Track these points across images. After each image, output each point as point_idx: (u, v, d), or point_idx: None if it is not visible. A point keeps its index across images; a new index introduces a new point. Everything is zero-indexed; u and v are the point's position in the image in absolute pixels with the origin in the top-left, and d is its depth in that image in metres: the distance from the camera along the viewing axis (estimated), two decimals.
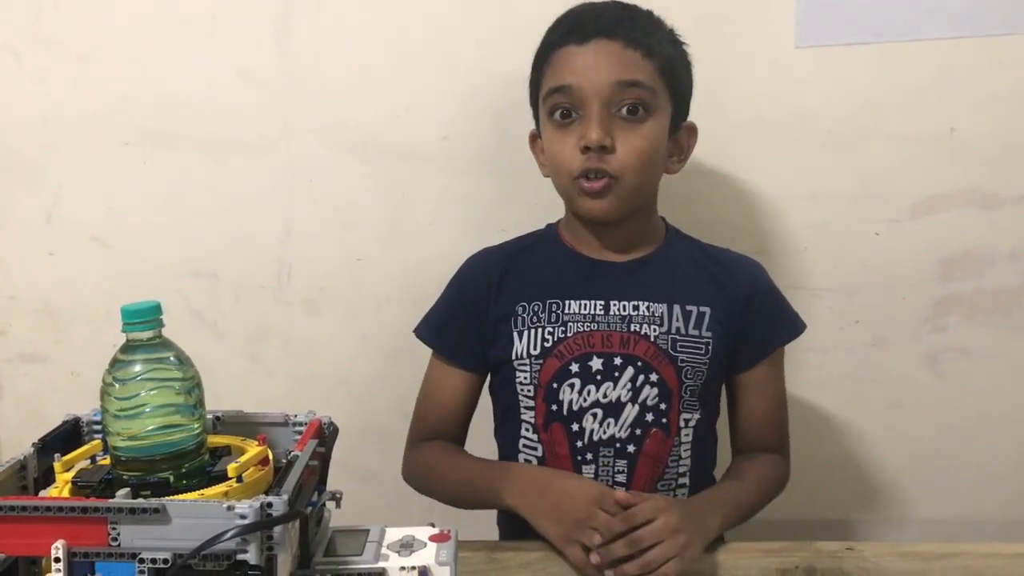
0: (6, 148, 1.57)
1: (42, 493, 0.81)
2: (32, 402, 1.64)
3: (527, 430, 1.22)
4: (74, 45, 1.52)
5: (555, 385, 1.19)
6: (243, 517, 0.70)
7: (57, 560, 0.71)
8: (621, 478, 1.18)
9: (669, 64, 1.17)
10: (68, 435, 0.88)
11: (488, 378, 1.28)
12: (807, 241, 1.50)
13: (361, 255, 1.53)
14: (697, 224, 1.48)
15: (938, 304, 1.51)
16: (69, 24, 1.52)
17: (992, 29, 1.42)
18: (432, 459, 1.25)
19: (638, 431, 1.18)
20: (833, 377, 1.54)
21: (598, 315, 1.19)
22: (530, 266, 1.25)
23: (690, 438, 1.20)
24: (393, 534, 0.86)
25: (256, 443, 0.85)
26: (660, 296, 1.19)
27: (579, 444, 1.18)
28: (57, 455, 0.82)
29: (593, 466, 1.18)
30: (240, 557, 0.71)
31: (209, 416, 0.87)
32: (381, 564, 0.80)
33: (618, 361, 1.17)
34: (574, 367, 1.18)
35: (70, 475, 0.80)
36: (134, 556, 0.71)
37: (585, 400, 1.18)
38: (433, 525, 0.89)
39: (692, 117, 1.42)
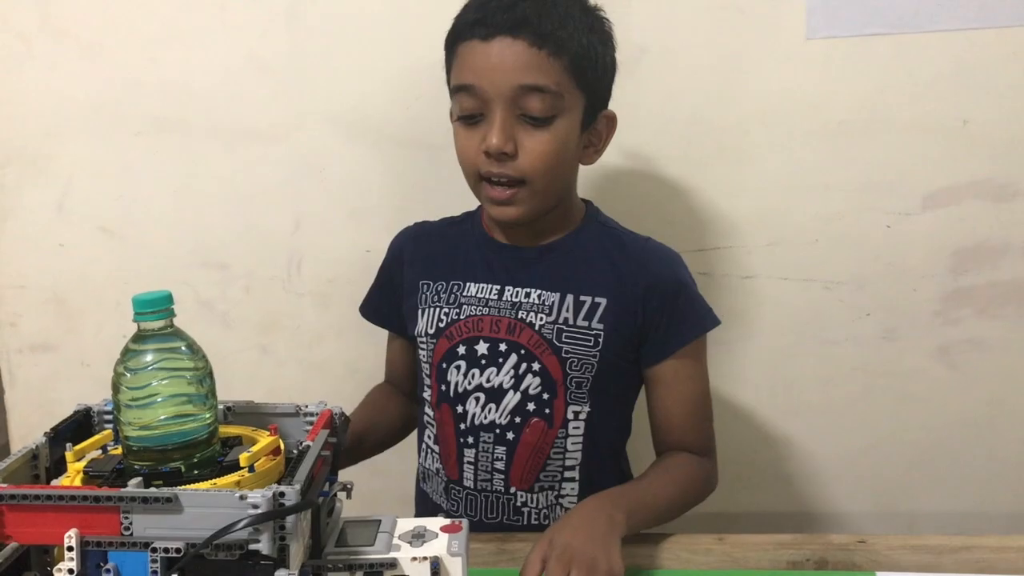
0: (16, 138, 1.57)
1: (54, 483, 0.81)
2: (42, 392, 1.65)
3: (427, 406, 1.25)
4: (83, 34, 1.52)
5: (444, 365, 1.20)
6: (255, 506, 0.70)
7: (70, 549, 0.71)
8: (500, 465, 1.18)
9: (581, 59, 1.10)
10: (79, 425, 0.88)
11: None
12: (818, 233, 1.49)
13: (371, 246, 1.53)
14: (705, 216, 1.48)
15: (950, 296, 1.50)
16: (78, 13, 1.52)
17: (1006, 20, 1.41)
18: (367, 397, 1.35)
19: (518, 419, 1.17)
20: (843, 370, 1.54)
21: (491, 300, 1.19)
22: (447, 245, 1.26)
23: (580, 431, 1.18)
24: (405, 525, 0.86)
25: (267, 433, 0.85)
26: (555, 285, 1.18)
27: (462, 426, 1.19)
28: (69, 444, 0.82)
29: (474, 450, 1.19)
30: (252, 547, 0.71)
31: (220, 406, 0.87)
32: (393, 554, 0.80)
33: (503, 347, 1.17)
34: (461, 349, 1.19)
35: (82, 465, 0.81)
36: (146, 545, 0.71)
37: (469, 383, 1.18)
38: (445, 516, 0.89)
39: (704, 108, 1.42)
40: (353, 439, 1.21)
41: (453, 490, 1.21)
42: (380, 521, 0.86)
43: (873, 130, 1.46)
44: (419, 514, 1.29)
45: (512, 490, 1.18)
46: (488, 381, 1.18)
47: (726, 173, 1.48)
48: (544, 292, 1.17)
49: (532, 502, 1.19)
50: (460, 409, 1.19)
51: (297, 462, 0.78)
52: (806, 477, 1.32)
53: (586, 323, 1.16)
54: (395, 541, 0.83)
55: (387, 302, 1.32)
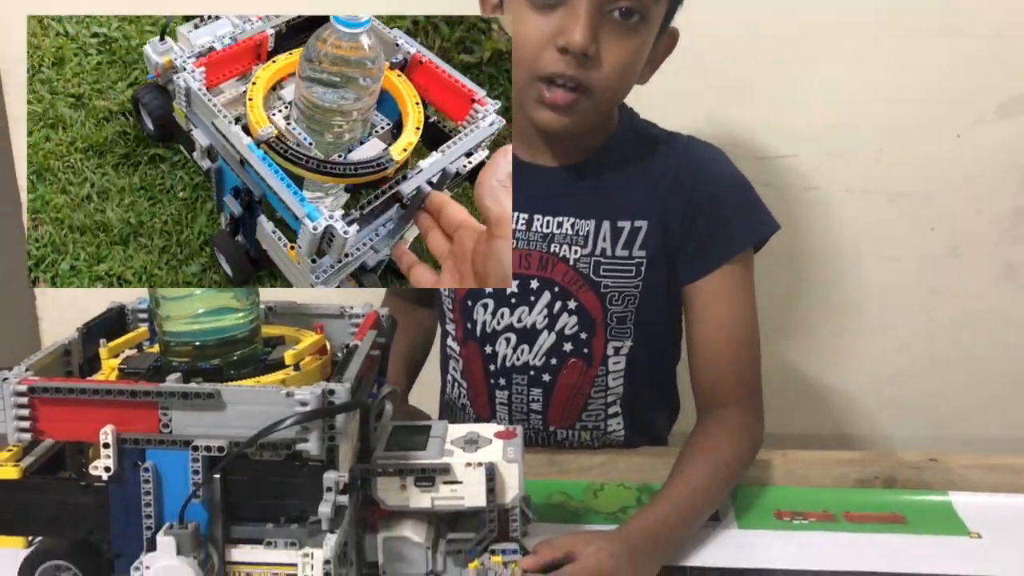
0: None
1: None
2: (73, 299, 1.61)
3: (451, 339, 1.15)
4: None
5: (469, 303, 1.09)
6: (303, 404, 0.66)
7: (106, 446, 0.67)
8: (536, 407, 1.09)
9: None
10: (113, 323, 0.83)
11: None
12: (883, 143, 1.41)
13: None
14: (767, 125, 1.41)
15: (1020, 212, 1.43)
16: None
17: None
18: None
19: (554, 360, 1.07)
20: (905, 286, 1.47)
21: (519, 231, 1.06)
22: None
23: (622, 366, 1.08)
24: (456, 430, 0.81)
25: (312, 333, 0.80)
26: (589, 211, 1.04)
27: (492, 368, 1.09)
28: (103, 341, 0.77)
29: (507, 392, 1.09)
30: (300, 447, 0.67)
31: (261, 307, 0.82)
32: (446, 460, 0.76)
33: (534, 284, 1.06)
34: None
35: (116, 362, 0.76)
36: (187, 444, 0.67)
37: (498, 323, 1.08)
38: (497, 422, 0.85)
39: (766, 14, 1.34)
40: (406, 369, 1.16)
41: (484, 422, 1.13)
42: (431, 426, 0.81)
43: (945, 34, 1.37)
44: None
45: (551, 428, 1.10)
46: (519, 321, 1.07)
47: (789, 81, 1.40)
48: (578, 220, 1.04)
49: (574, 438, 1.10)
50: (489, 350, 1.09)
51: (345, 362, 0.73)
52: (864, 399, 1.26)
53: (626, 252, 1.04)
54: (447, 447, 0.78)
55: None
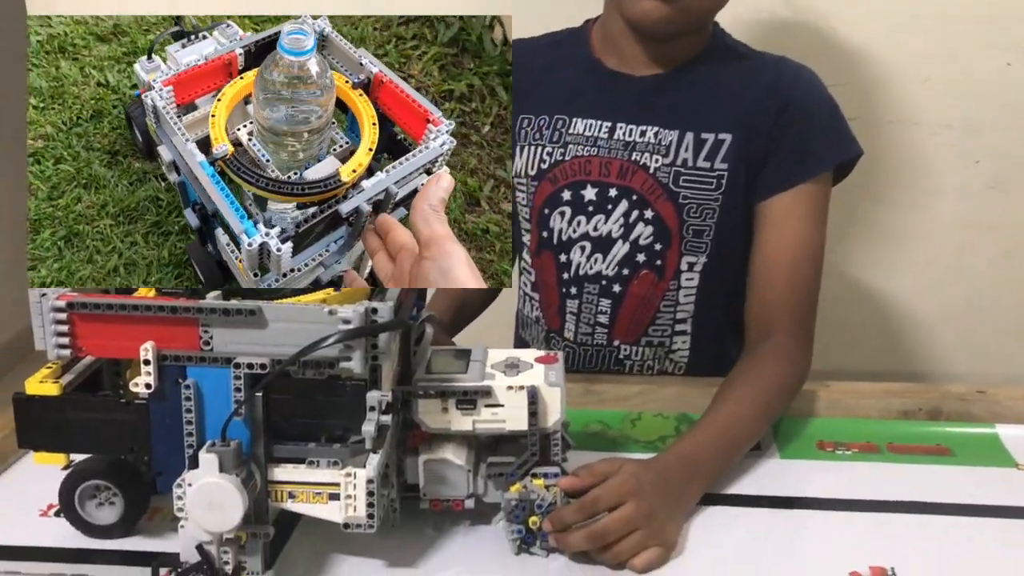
0: None
1: None
2: None
3: (526, 251, 1.14)
4: None
5: (546, 211, 1.09)
6: (347, 322, 0.64)
7: (147, 363, 0.66)
8: (603, 319, 1.08)
9: None
10: None
11: None
12: (929, 71, 1.37)
13: None
14: (807, 53, 1.36)
15: None
16: None
17: None
18: None
19: (626, 271, 1.06)
20: (946, 221, 1.43)
21: (601, 139, 1.05)
22: (546, 69, 1.11)
23: (694, 283, 1.06)
24: (496, 355, 0.80)
25: None
26: (674, 121, 1.03)
27: (565, 276, 1.09)
28: None
29: (577, 301, 1.09)
30: (343, 366, 0.66)
31: None
32: (487, 383, 0.75)
33: (613, 193, 1.04)
34: (566, 194, 1.07)
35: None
36: (228, 361, 0.66)
37: (574, 231, 1.07)
38: (538, 347, 0.83)
39: None
40: (453, 309, 1.15)
41: (554, 340, 1.12)
42: (471, 351, 0.80)
43: None
44: None
45: (616, 343, 1.09)
46: (595, 230, 1.06)
47: (829, 5, 1.36)
48: (661, 130, 1.03)
49: (637, 355, 1.09)
50: (563, 258, 1.09)
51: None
52: (905, 335, 1.24)
53: (707, 164, 1.02)
54: (488, 370, 0.77)
55: None
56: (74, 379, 0.73)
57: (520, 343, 1.20)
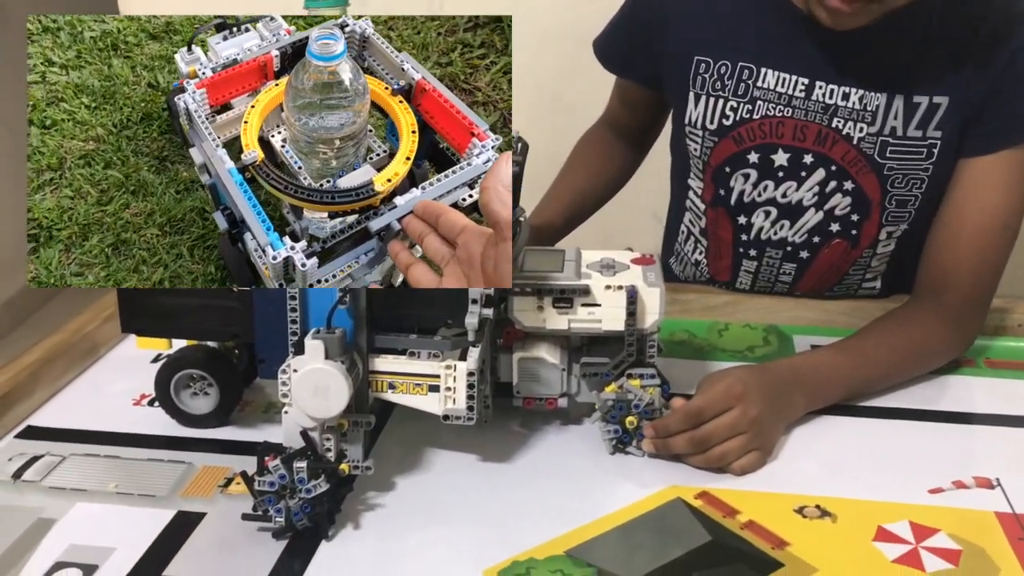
0: None
1: None
2: None
3: (694, 195, 1.05)
4: None
5: (727, 170, 0.98)
6: None
7: None
8: (785, 279, 1.02)
9: None
10: None
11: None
12: None
13: None
14: None
15: None
16: None
17: None
18: (579, 144, 1.15)
19: (816, 239, 0.98)
20: None
21: (796, 98, 0.92)
22: (733, 8, 0.96)
23: (891, 248, 0.99)
24: (591, 256, 0.79)
25: None
26: (882, 81, 0.90)
27: (744, 238, 1.01)
28: None
29: (756, 263, 1.01)
30: None
31: None
32: (585, 282, 0.73)
33: (808, 159, 0.94)
34: (753, 157, 0.95)
35: None
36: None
37: (759, 195, 0.98)
38: (631, 249, 0.82)
39: None
40: (570, 209, 1.09)
41: (719, 287, 1.06)
42: (564, 251, 0.79)
43: None
44: None
45: (796, 295, 1.02)
46: (784, 196, 0.96)
47: None
48: (866, 92, 0.90)
49: None
50: (743, 220, 0.99)
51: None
52: None
53: (919, 132, 0.90)
54: (584, 270, 0.76)
55: (639, 53, 1.03)
56: None
57: (667, 272, 1.12)
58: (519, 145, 0.80)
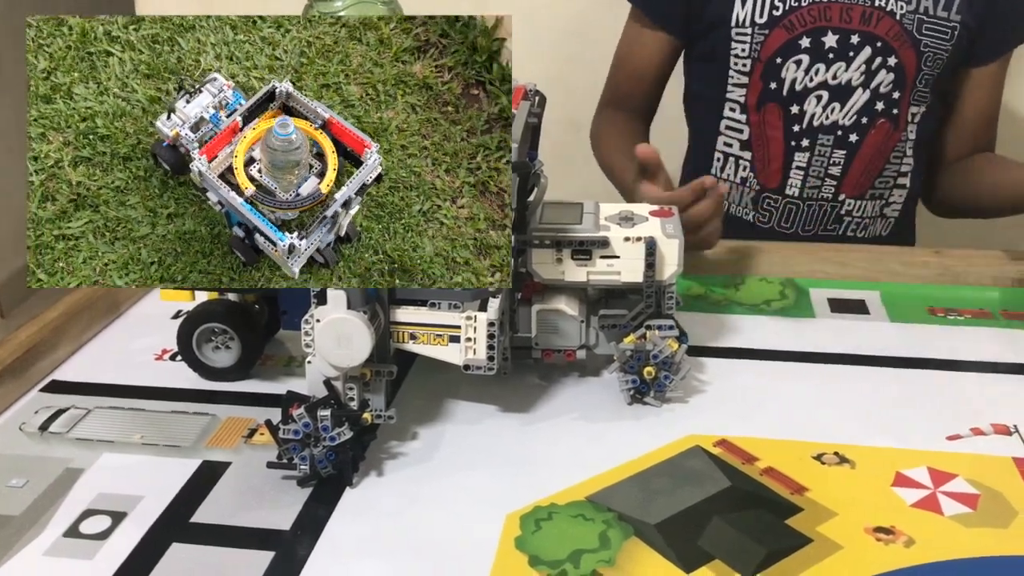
0: None
1: None
2: None
3: (732, 110, 1.10)
4: None
5: (778, 60, 1.06)
6: None
7: None
8: (835, 171, 1.07)
9: None
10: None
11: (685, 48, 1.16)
12: None
13: None
14: None
15: None
16: None
17: None
18: (601, 132, 1.20)
19: (864, 120, 1.06)
20: None
21: None
22: None
23: (914, 135, 1.08)
24: (609, 208, 0.79)
25: None
26: None
27: (796, 128, 1.07)
28: None
29: (808, 154, 1.07)
30: None
31: None
32: (604, 233, 0.74)
33: (855, 39, 1.03)
34: (804, 41, 1.04)
35: None
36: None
37: (811, 80, 1.05)
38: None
39: None
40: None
41: (768, 200, 1.11)
42: (583, 204, 0.79)
43: None
44: None
45: (841, 197, 1.09)
46: (835, 78, 1.05)
47: None
48: None
49: (857, 211, 1.10)
50: (796, 109, 1.07)
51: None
52: None
53: (945, 14, 1.04)
54: (602, 222, 0.76)
55: None
56: None
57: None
58: (536, 98, 0.81)
